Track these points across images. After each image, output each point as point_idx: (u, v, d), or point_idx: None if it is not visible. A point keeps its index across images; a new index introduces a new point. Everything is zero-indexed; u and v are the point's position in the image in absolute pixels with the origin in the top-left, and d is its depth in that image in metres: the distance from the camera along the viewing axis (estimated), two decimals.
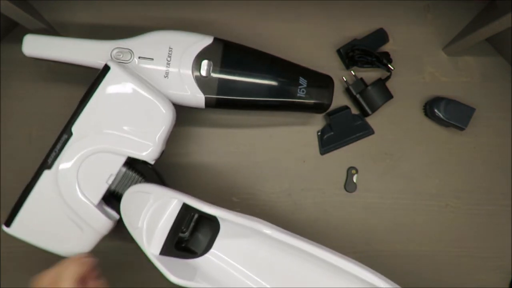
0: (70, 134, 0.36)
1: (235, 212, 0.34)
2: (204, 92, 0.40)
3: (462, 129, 0.48)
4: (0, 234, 0.48)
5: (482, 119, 0.50)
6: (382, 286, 0.30)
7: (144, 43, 0.40)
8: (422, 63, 0.51)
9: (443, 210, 0.50)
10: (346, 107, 0.49)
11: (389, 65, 0.48)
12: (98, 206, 0.37)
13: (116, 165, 0.37)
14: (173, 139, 0.44)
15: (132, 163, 0.38)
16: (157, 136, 0.37)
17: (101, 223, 0.37)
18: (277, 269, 0.35)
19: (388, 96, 0.49)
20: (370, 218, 0.49)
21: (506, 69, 0.51)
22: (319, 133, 0.50)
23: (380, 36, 0.50)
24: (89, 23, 0.50)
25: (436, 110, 0.48)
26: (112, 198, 0.39)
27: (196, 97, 0.41)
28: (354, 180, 0.49)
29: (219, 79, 0.41)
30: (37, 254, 0.48)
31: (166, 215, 0.34)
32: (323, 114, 0.50)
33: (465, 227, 0.49)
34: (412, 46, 0.51)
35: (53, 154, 0.36)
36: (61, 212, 0.37)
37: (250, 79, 0.41)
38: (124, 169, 0.38)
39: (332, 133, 0.49)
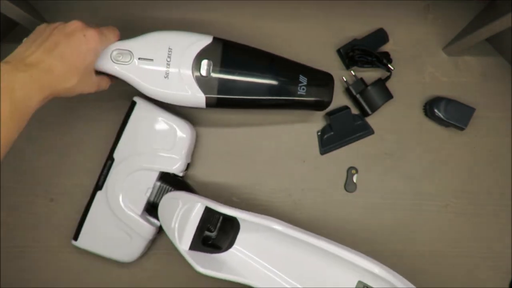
0: (113, 159, 0.44)
1: (249, 212, 0.39)
2: (204, 92, 0.41)
3: (462, 129, 0.48)
4: (0, 234, 0.48)
5: (482, 119, 0.50)
6: (376, 271, 0.36)
7: (144, 44, 0.40)
8: (422, 63, 0.51)
9: (443, 210, 0.50)
10: (346, 107, 0.49)
11: (389, 65, 0.48)
12: (142, 216, 0.44)
13: (151, 180, 0.44)
14: None
15: (164, 177, 0.45)
16: (182, 152, 0.44)
17: (146, 230, 0.44)
18: (291, 260, 0.41)
19: (388, 96, 0.49)
20: (370, 218, 0.49)
21: (506, 69, 0.51)
22: (319, 133, 0.50)
23: (380, 36, 0.50)
24: (89, 23, 0.50)
25: (436, 110, 0.48)
26: (152, 209, 0.45)
27: (196, 97, 0.41)
28: (354, 180, 0.49)
29: (219, 78, 0.41)
30: (37, 254, 0.48)
31: (192, 217, 0.40)
32: (324, 113, 0.50)
33: (465, 227, 0.49)
34: (412, 46, 0.51)
35: (102, 177, 0.45)
36: (113, 224, 0.44)
37: (251, 78, 0.42)
38: (158, 183, 0.45)
39: (332, 133, 0.49)
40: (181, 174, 0.45)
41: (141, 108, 0.44)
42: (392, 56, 0.49)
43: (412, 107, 0.50)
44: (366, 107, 0.48)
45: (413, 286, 0.37)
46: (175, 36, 0.41)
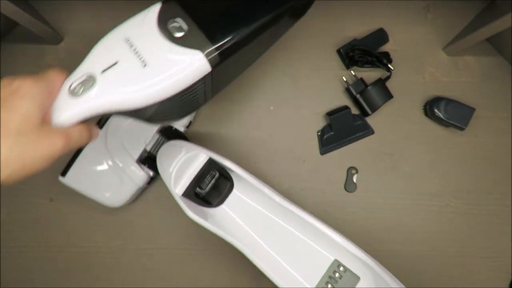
0: None
1: (250, 174, 0.40)
2: (200, 48, 0.30)
3: (462, 129, 0.48)
4: (0, 234, 0.48)
5: (482, 119, 0.50)
6: (351, 250, 0.38)
7: (97, 55, 0.31)
8: (422, 63, 0.51)
9: (443, 210, 0.49)
10: (346, 107, 0.49)
11: (389, 65, 0.48)
12: (137, 162, 0.44)
13: (153, 128, 0.44)
14: None
15: (165, 130, 0.45)
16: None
17: (138, 175, 0.44)
18: (273, 230, 0.42)
19: (388, 96, 0.49)
20: (370, 218, 0.49)
21: (506, 69, 0.51)
22: (319, 133, 0.50)
23: (380, 36, 0.50)
24: (89, 23, 0.50)
25: (436, 110, 0.48)
26: (146, 159, 0.45)
27: (194, 60, 0.30)
28: (354, 180, 0.49)
29: (200, 27, 0.31)
30: (37, 254, 0.48)
31: (193, 165, 0.41)
32: (324, 113, 0.50)
33: (465, 227, 0.49)
34: (412, 46, 0.51)
35: (104, 116, 0.43)
36: (106, 166, 0.44)
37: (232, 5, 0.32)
38: (158, 134, 0.45)
39: (332, 133, 0.49)
40: (182, 129, 0.46)
41: None
42: (392, 56, 0.49)
43: (412, 107, 0.50)
44: (366, 107, 0.48)
45: (388, 272, 0.39)
46: (122, 28, 0.32)
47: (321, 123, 0.50)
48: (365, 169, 0.50)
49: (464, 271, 0.49)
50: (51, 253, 0.48)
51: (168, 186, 0.40)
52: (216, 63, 0.31)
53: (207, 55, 0.31)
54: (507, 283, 0.49)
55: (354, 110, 0.50)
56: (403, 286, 0.38)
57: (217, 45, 0.31)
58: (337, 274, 0.40)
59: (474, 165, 0.50)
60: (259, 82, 0.50)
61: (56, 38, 0.49)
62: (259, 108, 0.50)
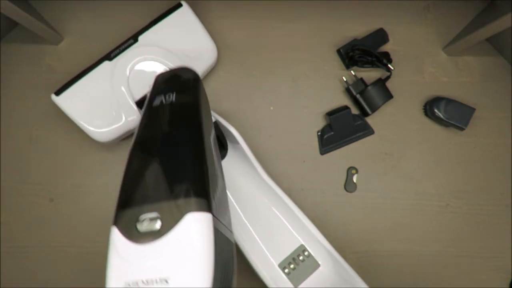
0: (136, 40, 0.44)
1: (247, 146, 0.41)
2: (185, 213, 0.25)
3: (462, 129, 0.48)
4: (0, 234, 0.48)
5: (482, 119, 0.50)
6: (319, 238, 0.41)
7: None
8: (422, 63, 0.51)
9: (443, 210, 0.49)
10: (346, 107, 0.49)
11: (389, 65, 0.48)
12: (136, 103, 0.44)
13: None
14: None
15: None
16: (202, 66, 0.46)
17: (133, 117, 0.43)
18: (253, 205, 0.44)
19: (388, 96, 0.49)
20: (370, 218, 0.49)
21: (506, 69, 0.51)
22: (319, 133, 0.50)
23: (380, 36, 0.50)
24: (89, 23, 0.50)
25: (436, 110, 0.48)
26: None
27: (195, 224, 0.25)
28: (354, 180, 0.49)
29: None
30: (37, 254, 0.48)
31: None
32: (324, 113, 0.50)
33: (465, 227, 0.49)
34: (412, 46, 0.51)
35: (117, 51, 0.44)
36: (106, 99, 0.43)
37: None
38: None
39: (332, 133, 0.49)
40: None
41: (184, 12, 0.45)
42: (392, 56, 0.49)
43: (412, 107, 0.50)
44: (366, 107, 0.48)
45: (348, 265, 0.41)
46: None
47: (321, 123, 0.50)
48: (365, 169, 0.50)
49: (464, 271, 0.49)
50: (51, 253, 0.48)
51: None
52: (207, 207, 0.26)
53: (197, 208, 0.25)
54: (507, 283, 0.49)
55: (354, 110, 0.50)
56: (362, 281, 0.40)
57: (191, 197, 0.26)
58: (301, 257, 0.43)
59: (474, 165, 0.50)
60: (259, 82, 0.50)
61: (56, 38, 0.49)
62: (259, 108, 0.50)
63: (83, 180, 0.48)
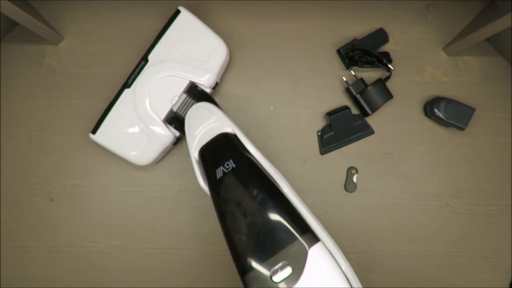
0: (147, 61, 0.45)
1: (272, 165, 0.38)
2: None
3: (462, 129, 0.48)
4: (0, 234, 0.48)
5: (482, 119, 0.50)
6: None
7: None
8: (422, 63, 0.51)
9: (443, 210, 0.49)
10: (346, 107, 0.49)
11: (389, 65, 0.48)
12: (163, 121, 0.45)
13: (179, 88, 0.45)
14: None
15: (192, 90, 0.46)
16: (215, 67, 0.46)
17: (165, 135, 0.45)
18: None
19: (388, 96, 0.49)
20: (370, 218, 0.49)
21: (506, 69, 0.51)
22: (319, 133, 0.50)
23: (380, 36, 0.50)
24: (89, 23, 0.50)
25: (436, 110, 0.48)
26: (172, 119, 0.46)
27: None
28: (354, 180, 0.49)
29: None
30: (37, 254, 0.48)
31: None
32: (324, 113, 0.50)
33: (465, 227, 0.49)
34: (412, 46, 0.51)
35: (133, 76, 0.45)
36: (134, 124, 0.45)
37: None
38: (185, 95, 0.45)
39: (332, 133, 0.49)
40: (208, 90, 0.46)
41: (184, 18, 0.46)
42: (392, 56, 0.49)
43: (412, 107, 0.50)
44: (366, 107, 0.48)
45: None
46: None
47: (321, 123, 0.50)
48: (365, 169, 0.50)
49: (464, 271, 0.49)
50: (51, 253, 0.48)
51: (190, 147, 0.40)
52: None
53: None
54: (507, 283, 0.49)
55: (354, 110, 0.50)
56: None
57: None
58: None
59: (474, 165, 0.50)
60: (259, 82, 0.50)
61: (56, 38, 0.49)
62: (259, 108, 0.50)
63: (83, 180, 0.48)
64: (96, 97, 0.49)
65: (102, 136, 0.45)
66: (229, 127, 0.40)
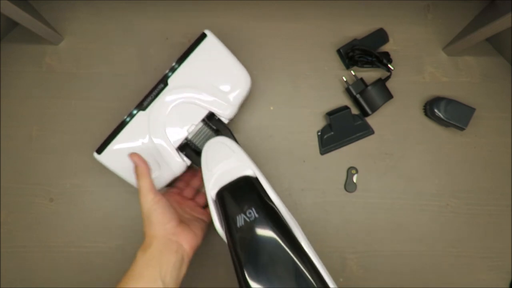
0: (166, 84, 0.42)
1: (289, 213, 0.36)
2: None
3: (462, 129, 0.48)
4: (0, 234, 0.48)
5: (482, 119, 0.50)
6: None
7: None
8: (422, 63, 0.51)
9: (443, 210, 0.49)
10: (346, 107, 0.49)
11: (389, 65, 0.48)
12: (177, 150, 0.43)
13: (197, 117, 0.43)
14: None
15: (209, 119, 0.43)
16: (237, 99, 0.43)
17: (177, 163, 0.43)
18: None
19: (388, 96, 0.49)
20: (370, 218, 0.49)
21: (506, 69, 0.51)
22: (319, 133, 0.50)
23: (380, 36, 0.50)
24: (89, 23, 0.50)
25: (436, 110, 0.48)
26: (185, 147, 0.43)
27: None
28: (354, 180, 0.49)
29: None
30: (37, 254, 0.48)
31: (237, 176, 0.38)
32: (324, 113, 0.50)
33: (465, 227, 0.49)
34: (412, 46, 0.51)
35: (149, 99, 0.42)
36: (146, 149, 0.42)
37: None
38: (202, 123, 0.43)
39: (332, 133, 0.49)
40: (226, 121, 0.44)
41: (210, 43, 0.43)
42: (392, 56, 0.49)
43: (412, 107, 0.50)
44: (366, 107, 0.48)
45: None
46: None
47: (321, 123, 0.50)
48: (365, 169, 0.50)
49: (464, 271, 0.49)
50: (51, 253, 0.48)
51: (206, 183, 0.38)
52: None
53: None
54: (507, 283, 0.49)
55: (354, 110, 0.50)
56: None
57: None
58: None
59: (474, 165, 0.50)
60: (259, 82, 0.50)
61: (56, 38, 0.49)
62: (259, 108, 0.50)
63: (83, 180, 0.48)
64: (96, 97, 0.49)
65: (108, 158, 0.42)
66: (250, 169, 0.38)
